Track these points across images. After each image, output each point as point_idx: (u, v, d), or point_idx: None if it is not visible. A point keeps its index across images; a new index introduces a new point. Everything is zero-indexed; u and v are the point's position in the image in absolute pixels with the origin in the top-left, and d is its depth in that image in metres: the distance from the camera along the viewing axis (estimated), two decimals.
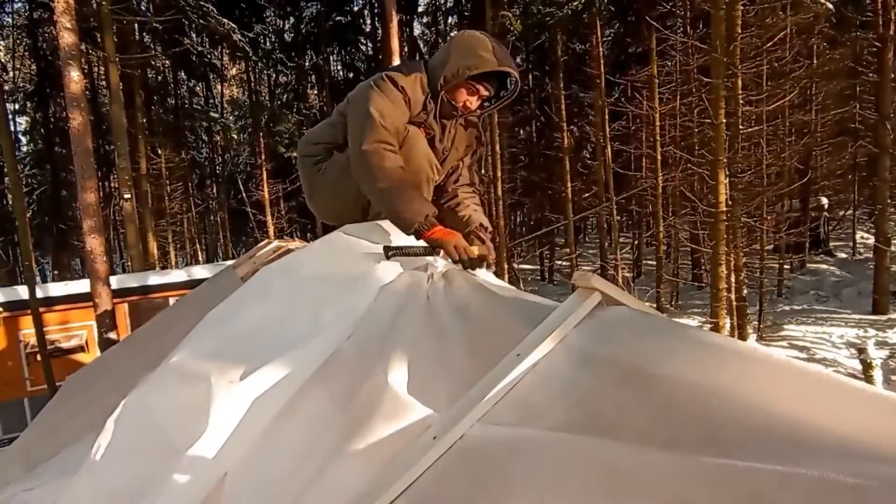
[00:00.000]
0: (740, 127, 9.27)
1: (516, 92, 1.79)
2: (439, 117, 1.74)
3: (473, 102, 1.74)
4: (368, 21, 18.68)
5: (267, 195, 15.56)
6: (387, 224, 1.57)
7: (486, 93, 1.73)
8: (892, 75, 10.71)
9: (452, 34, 1.79)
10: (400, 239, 1.51)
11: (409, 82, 1.65)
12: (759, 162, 10.60)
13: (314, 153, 1.84)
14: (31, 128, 18.41)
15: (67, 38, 3.77)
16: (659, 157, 12.16)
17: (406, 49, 16.80)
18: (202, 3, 12.54)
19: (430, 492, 0.82)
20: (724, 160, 8.23)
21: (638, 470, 0.65)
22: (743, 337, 9.51)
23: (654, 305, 11.76)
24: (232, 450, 1.06)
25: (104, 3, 8.69)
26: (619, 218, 16.11)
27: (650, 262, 16.29)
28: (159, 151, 14.52)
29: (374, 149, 1.53)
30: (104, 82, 13.13)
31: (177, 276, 6.56)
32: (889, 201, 11.18)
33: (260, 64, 16.42)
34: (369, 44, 18.85)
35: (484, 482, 0.78)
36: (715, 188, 8.31)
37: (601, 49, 14.07)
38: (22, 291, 5.46)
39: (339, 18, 17.12)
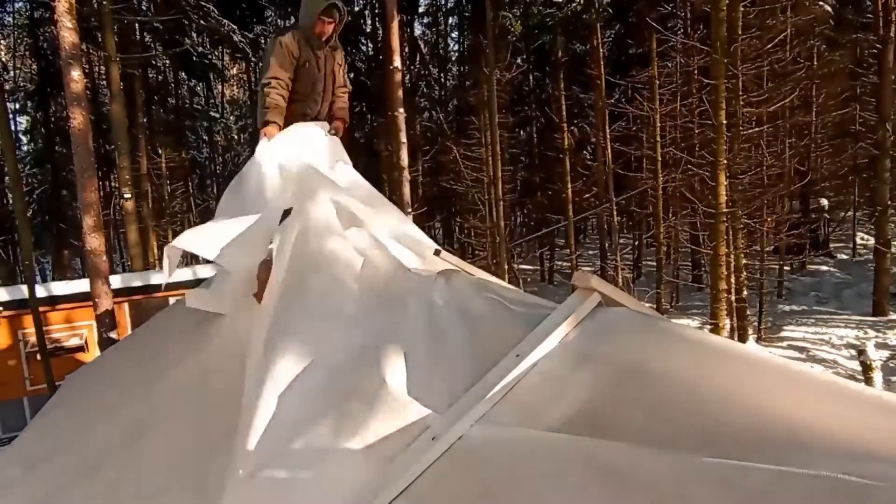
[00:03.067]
0: (741, 128, 9.28)
1: (346, 14, 2.77)
2: (314, 51, 2.74)
3: (328, 30, 2.76)
4: (369, 21, 18.65)
5: None
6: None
7: (333, 21, 2.74)
8: (892, 77, 10.70)
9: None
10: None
11: (287, 40, 2.65)
12: (759, 163, 10.59)
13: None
14: (31, 127, 18.39)
15: (68, 38, 3.76)
16: (659, 158, 12.14)
17: (406, 49, 16.78)
18: (203, 3, 12.53)
19: (429, 492, 0.82)
20: (725, 161, 8.23)
21: (637, 469, 0.64)
22: (743, 338, 9.51)
23: (654, 306, 11.75)
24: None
25: (105, 2, 8.67)
26: (619, 219, 16.08)
27: (650, 263, 16.28)
28: (160, 151, 14.49)
29: (269, 83, 2.65)
30: (105, 82, 13.09)
31: (178, 275, 6.53)
32: (889, 203, 11.17)
33: (260, 64, 16.40)
34: (369, 44, 18.81)
35: (482, 482, 0.78)
36: (715, 189, 8.32)
37: (601, 50, 14.06)
38: (22, 290, 5.45)
39: None
